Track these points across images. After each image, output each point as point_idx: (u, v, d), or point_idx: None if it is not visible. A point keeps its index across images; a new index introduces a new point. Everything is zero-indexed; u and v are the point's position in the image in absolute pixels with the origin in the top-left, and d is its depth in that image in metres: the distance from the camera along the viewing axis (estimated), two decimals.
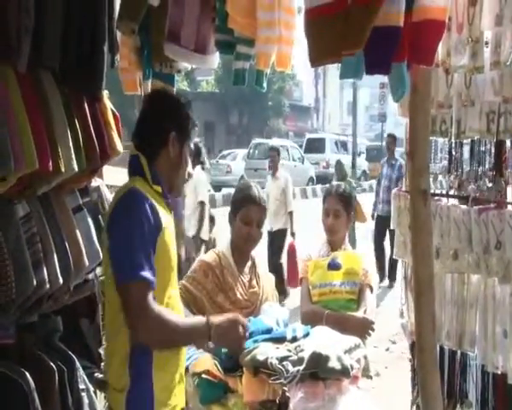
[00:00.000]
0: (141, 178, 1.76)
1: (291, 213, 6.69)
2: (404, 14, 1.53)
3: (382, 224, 7.29)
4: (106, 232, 1.74)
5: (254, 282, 2.39)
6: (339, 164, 8.00)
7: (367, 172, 22.67)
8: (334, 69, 35.67)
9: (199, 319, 1.78)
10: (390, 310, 6.04)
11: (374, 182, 21.61)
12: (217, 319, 1.77)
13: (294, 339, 2.02)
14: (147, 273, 1.62)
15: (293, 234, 6.64)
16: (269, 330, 2.08)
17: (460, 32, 2.01)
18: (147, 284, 1.63)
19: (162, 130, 1.76)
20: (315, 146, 21.74)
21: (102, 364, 2.23)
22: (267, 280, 2.46)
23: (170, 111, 1.79)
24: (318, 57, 1.65)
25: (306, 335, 2.06)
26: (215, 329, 1.72)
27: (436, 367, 1.90)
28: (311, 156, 20.59)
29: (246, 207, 2.33)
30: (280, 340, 2.02)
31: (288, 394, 1.94)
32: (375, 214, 7.71)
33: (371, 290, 2.59)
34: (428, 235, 1.89)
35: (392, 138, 8.22)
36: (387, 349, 5.16)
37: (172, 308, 1.76)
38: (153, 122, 1.79)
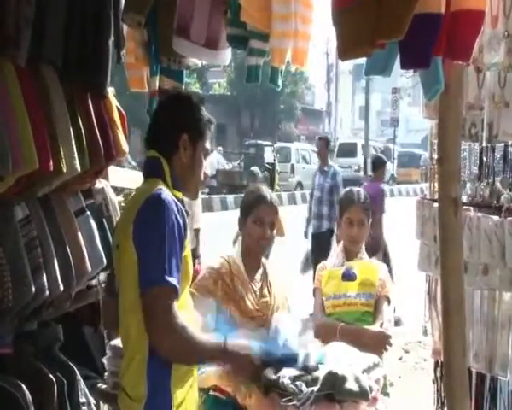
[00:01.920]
0: (160, 180, 1.68)
1: (197, 231, 5.13)
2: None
3: (317, 243, 6.06)
4: (128, 236, 1.62)
5: (266, 291, 2.31)
6: (252, 175, 6.82)
7: (395, 176, 22.81)
8: (346, 74, 35.69)
9: (217, 346, 1.70)
10: (403, 318, 5.90)
11: (401, 187, 21.19)
12: (232, 347, 1.71)
13: (305, 368, 1.85)
14: (174, 280, 1.55)
15: (197, 256, 5.03)
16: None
17: (494, 25, 1.87)
18: (173, 291, 1.56)
19: (173, 133, 1.71)
20: (347, 150, 22.14)
21: (106, 374, 2.13)
22: (279, 288, 2.37)
23: (180, 112, 1.73)
24: (350, 49, 1.49)
25: (319, 363, 1.89)
26: (230, 359, 1.71)
27: (466, 393, 1.76)
28: (344, 160, 21.04)
29: (257, 208, 2.27)
30: (290, 360, 1.87)
31: None
32: (309, 232, 6.37)
33: (389, 302, 2.50)
34: (459, 248, 1.75)
35: (324, 142, 6.78)
36: (400, 358, 5.02)
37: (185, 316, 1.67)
38: (164, 125, 1.74)
